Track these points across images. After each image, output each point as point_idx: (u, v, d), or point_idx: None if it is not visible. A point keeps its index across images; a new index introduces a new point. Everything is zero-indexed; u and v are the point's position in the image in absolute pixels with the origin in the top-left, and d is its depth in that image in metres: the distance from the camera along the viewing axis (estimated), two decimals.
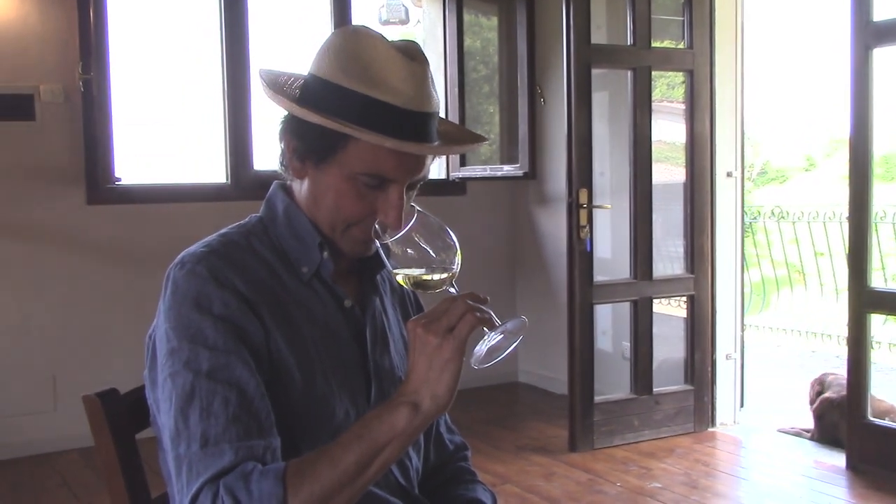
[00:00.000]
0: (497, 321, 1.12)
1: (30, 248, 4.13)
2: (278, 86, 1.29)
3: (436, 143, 1.26)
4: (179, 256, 1.24)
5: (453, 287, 1.19)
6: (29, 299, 4.13)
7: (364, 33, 1.24)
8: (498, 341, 1.13)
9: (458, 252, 1.20)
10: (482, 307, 1.12)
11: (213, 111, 4.54)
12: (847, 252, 3.90)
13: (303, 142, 1.25)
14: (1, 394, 4.07)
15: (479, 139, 1.38)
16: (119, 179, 4.20)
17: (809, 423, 4.26)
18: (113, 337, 4.20)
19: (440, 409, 1.12)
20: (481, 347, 1.13)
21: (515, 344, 1.14)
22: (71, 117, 4.13)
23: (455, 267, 1.19)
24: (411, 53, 1.23)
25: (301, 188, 1.31)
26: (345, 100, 1.20)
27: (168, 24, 4.83)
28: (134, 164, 4.46)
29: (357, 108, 1.20)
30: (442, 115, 1.33)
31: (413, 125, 1.21)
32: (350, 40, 1.23)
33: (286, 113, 1.28)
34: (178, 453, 1.13)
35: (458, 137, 1.36)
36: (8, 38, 4.00)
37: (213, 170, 4.61)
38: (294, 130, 1.26)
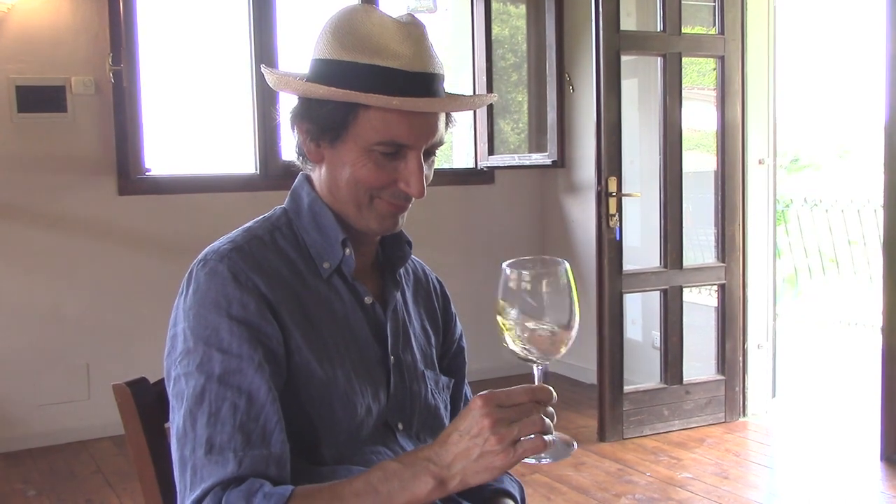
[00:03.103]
0: (553, 440, 1.06)
1: (62, 238, 4.18)
2: (283, 76, 1.30)
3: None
4: (203, 253, 1.25)
5: (538, 369, 1.11)
6: (62, 289, 4.19)
7: (357, 8, 1.25)
8: (540, 455, 1.07)
9: (571, 342, 1.09)
10: (550, 428, 1.06)
11: (242, 101, 4.56)
12: (882, 241, 3.84)
13: (314, 122, 1.25)
14: (36, 382, 4.13)
15: (488, 96, 1.38)
16: (149, 170, 4.24)
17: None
18: (145, 325, 4.24)
19: (463, 490, 1.07)
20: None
21: (541, 460, 1.08)
22: (102, 109, 4.17)
23: (559, 352, 1.09)
24: (406, 18, 1.24)
25: (321, 174, 1.30)
26: (348, 72, 1.21)
27: (197, 15, 4.86)
28: (164, 155, 4.50)
29: (361, 78, 1.20)
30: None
31: (418, 85, 1.20)
32: (344, 17, 1.24)
33: (294, 104, 1.28)
34: (182, 454, 1.14)
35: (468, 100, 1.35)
36: (40, 31, 4.04)
37: (242, 159, 4.64)
38: (303, 113, 1.26)
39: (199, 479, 1.11)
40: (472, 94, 4.87)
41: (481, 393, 1.06)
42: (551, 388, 1.07)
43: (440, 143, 1.27)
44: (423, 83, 1.21)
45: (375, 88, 1.19)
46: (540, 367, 1.11)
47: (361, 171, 1.23)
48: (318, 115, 1.24)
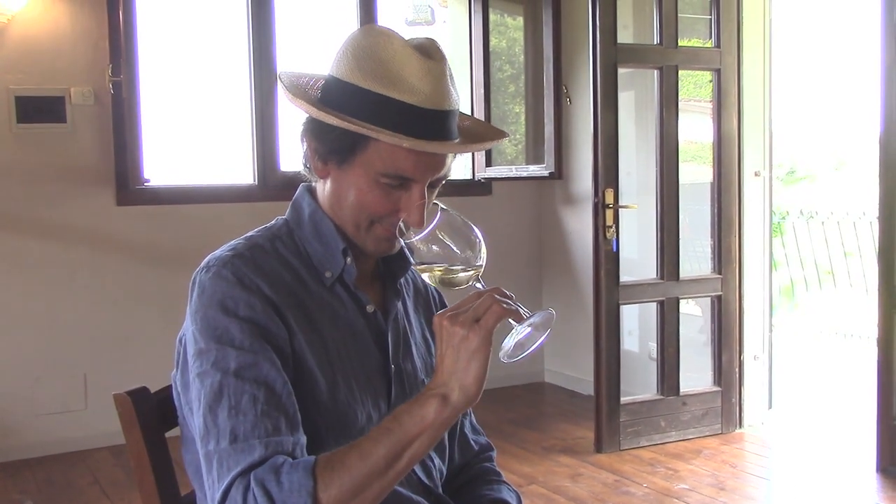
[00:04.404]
0: (525, 313, 1.12)
1: (61, 248, 4.18)
2: (299, 88, 1.30)
3: (456, 140, 1.26)
4: (205, 261, 1.26)
5: (479, 283, 1.19)
6: (60, 299, 4.19)
7: (381, 32, 1.24)
8: (526, 335, 1.13)
9: (484, 248, 1.20)
10: (509, 301, 1.12)
11: (241, 112, 4.57)
12: (878, 252, 3.85)
13: (323, 143, 1.26)
14: (34, 392, 4.13)
15: (499, 135, 1.37)
16: (148, 181, 4.23)
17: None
18: (143, 336, 4.25)
19: (469, 400, 1.12)
20: (509, 341, 1.13)
21: (544, 338, 1.13)
22: (101, 119, 4.18)
23: (481, 263, 1.19)
24: (429, 51, 1.23)
25: (324, 188, 1.32)
26: (362, 100, 1.21)
27: (196, 27, 4.87)
28: (163, 166, 4.51)
29: (374, 108, 1.20)
30: (466, 112, 1.33)
31: (431, 124, 1.21)
32: (366, 40, 1.24)
33: (305, 119, 1.29)
34: (207, 450, 1.15)
35: (479, 132, 1.36)
36: (40, 41, 4.06)
37: (240, 171, 4.65)
38: (314, 132, 1.27)
39: (226, 470, 1.12)
40: (472, 114, 4.89)
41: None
42: (499, 287, 1.14)
43: (446, 177, 1.28)
44: (437, 121, 1.22)
45: (387, 123, 1.20)
46: (482, 283, 1.20)
47: (366, 197, 1.25)
48: (328, 138, 1.25)
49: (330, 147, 1.25)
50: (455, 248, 1.19)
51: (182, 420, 1.31)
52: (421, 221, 1.23)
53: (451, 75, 1.24)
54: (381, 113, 1.20)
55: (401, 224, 1.24)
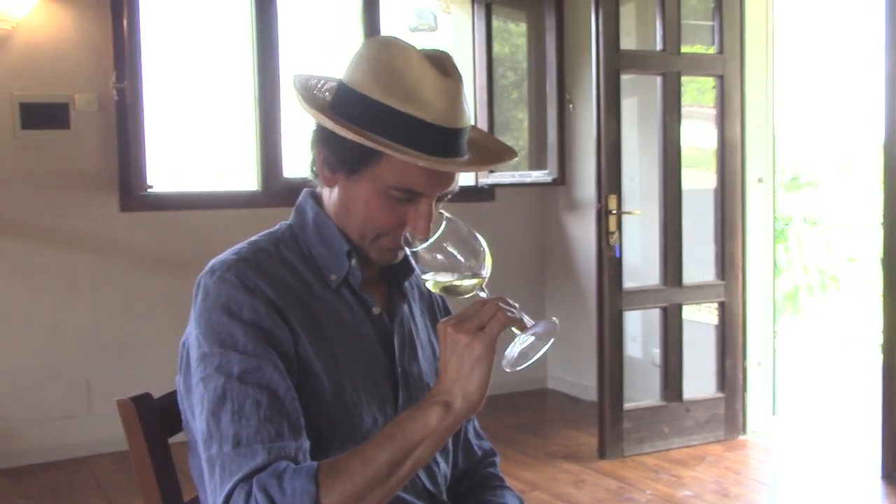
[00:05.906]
0: (528, 322, 1.13)
1: (64, 254, 4.19)
2: (308, 90, 1.30)
3: (465, 155, 1.27)
4: (209, 264, 1.26)
5: (483, 292, 1.20)
6: (63, 305, 4.19)
7: (398, 45, 1.24)
8: (529, 343, 1.13)
9: (488, 257, 1.21)
10: (513, 310, 1.13)
11: (245, 118, 4.58)
12: (881, 257, 3.85)
13: (334, 153, 1.26)
14: (36, 398, 4.13)
15: (509, 154, 1.37)
16: (152, 187, 4.24)
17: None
18: (146, 342, 4.25)
19: (472, 407, 1.12)
20: (512, 350, 1.14)
21: (547, 347, 1.13)
22: (105, 126, 4.19)
23: (485, 272, 1.20)
24: (445, 68, 1.23)
25: (331, 196, 1.32)
26: (377, 114, 1.21)
27: (200, 33, 4.89)
28: (166, 172, 4.52)
29: (389, 123, 1.20)
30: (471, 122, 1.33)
31: (444, 141, 1.22)
32: (384, 52, 1.23)
33: (316, 126, 1.29)
34: (210, 454, 1.15)
35: (486, 146, 1.36)
36: (44, 48, 4.07)
37: (244, 177, 4.65)
38: (325, 141, 1.27)
39: (228, 474, 1.12)
40: (475, 120, 4.90)
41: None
42: (503, 296, 1.15)
43: (454, 191, 1.29)
44: (451, 138, 1.22)
45: (401, 138, 1.20)
46: (486, 292, 1.21)
47: (375, 211, 1.25)
48: (339, 148, 1.25)
49: (340, 157, 1.25)
50: (460, 258, 1.20)
51: (186, 424, 1.31)
52: (427, 234, 1.24)
53: (464, 93, 1.25)
54: (395, 127, 1.20)
55: (406, 234, 1.24)
